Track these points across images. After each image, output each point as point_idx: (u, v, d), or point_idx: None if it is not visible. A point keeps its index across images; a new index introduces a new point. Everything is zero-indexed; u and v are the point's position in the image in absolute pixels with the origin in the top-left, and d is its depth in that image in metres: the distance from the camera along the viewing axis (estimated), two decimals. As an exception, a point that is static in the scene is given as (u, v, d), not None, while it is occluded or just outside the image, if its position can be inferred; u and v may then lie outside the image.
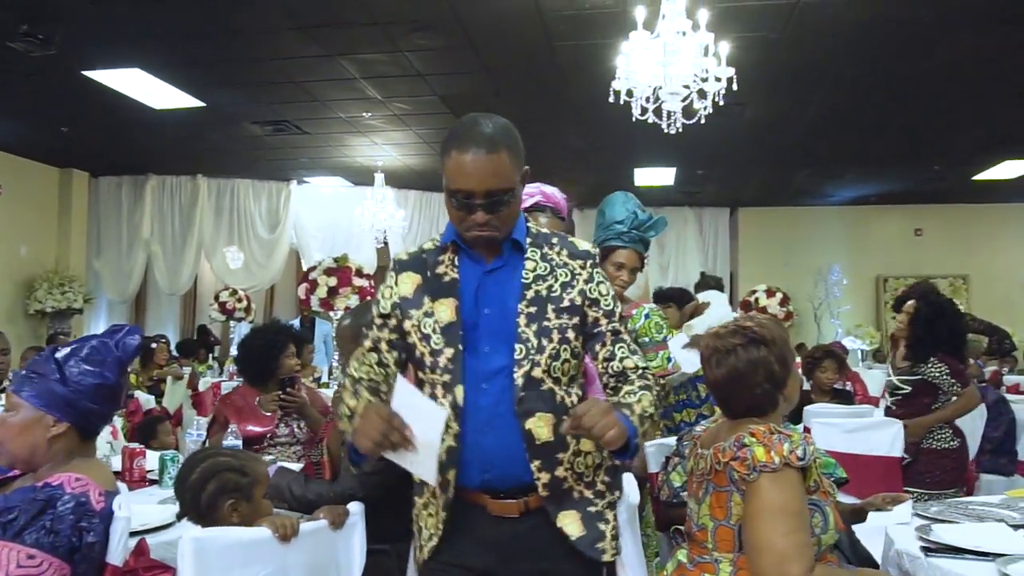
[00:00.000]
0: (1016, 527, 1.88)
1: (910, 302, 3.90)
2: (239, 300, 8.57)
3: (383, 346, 1.76)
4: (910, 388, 3.83)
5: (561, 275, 1.70)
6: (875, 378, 7.05)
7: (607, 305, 1.72)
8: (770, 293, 8.04)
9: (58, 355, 1.59)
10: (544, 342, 1.64)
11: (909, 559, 1.71)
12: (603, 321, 1.71)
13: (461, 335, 1.65)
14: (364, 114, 7.20)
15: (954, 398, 3.71)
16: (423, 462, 1.51)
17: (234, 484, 1.80)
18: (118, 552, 1.43)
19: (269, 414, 3.23)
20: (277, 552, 1.37)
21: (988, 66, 5.82)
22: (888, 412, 3.92)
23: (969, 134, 7.58)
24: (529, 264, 1.69)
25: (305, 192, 10.35)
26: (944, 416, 3.70)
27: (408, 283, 1.73)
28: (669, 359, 3.17)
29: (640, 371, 1.70)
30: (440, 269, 1.72)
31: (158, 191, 10.02)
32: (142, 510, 1.84)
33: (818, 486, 1.70)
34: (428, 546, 1.68)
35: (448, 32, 5.28)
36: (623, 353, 1.71)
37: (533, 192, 2.50)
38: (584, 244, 1.77)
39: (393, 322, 1.75)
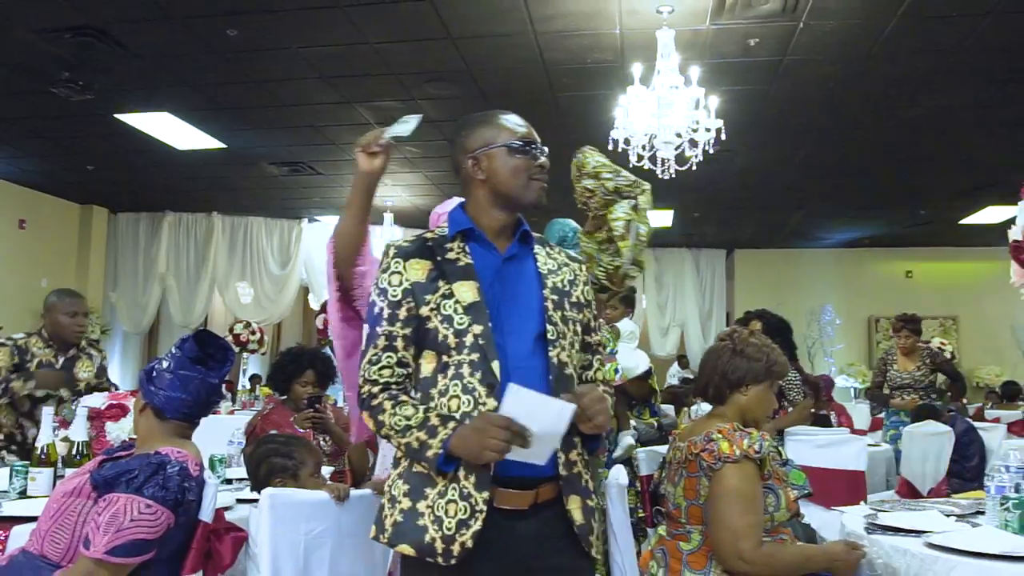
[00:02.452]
0: (949, 515, 2.20)
1: (754, 322, 4.38)
2: (252, 333, 8.90)
3: (399, 342, 1.65)
4: None
5: (565, 273, 1.75)
6: (863, 413, 7.36)
7: (594, 310, 1.81)
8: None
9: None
10: (565, 330, 1.68)
11: (855, 538, 2.03)
12: (592, 325, 1.78)
13: (487, 313, 1.62)
14: (377, 157, 7.58)
15: (791, 408, 4.21)
16: (536, 452, 1.51)
17: (280, 466, 2.23)
18: (209, 511, 1.76)
19: (302, 431, 3.53)
20: (333, 511, 1.68)
21: (962, 118, 6.24)
22: None
23: (950, 181, 7.97)
24: (540, 258, 1.74)
25: (316, 230, 10.71)
26: (792, 420, 4.14)
27: (418, 268, 1.67)
28: (617, 371, 3.62)
29: (609, 385, 1.78)
30: (451, 255, 1.69)
31: (174, 227, 10.41)
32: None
33: (772, 474, 2.03)
34: (467, 533, 1.53)
35: (459, 83, 5.69)
36: (598, 365, 1.79)
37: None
38: (575, 252, 1.89)
39: (404, 312, 1.65)
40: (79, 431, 2.47)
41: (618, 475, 2.11)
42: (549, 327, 1.65)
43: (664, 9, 4.54)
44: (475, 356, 1.59)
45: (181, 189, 9.24)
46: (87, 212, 9.97)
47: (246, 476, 2.45)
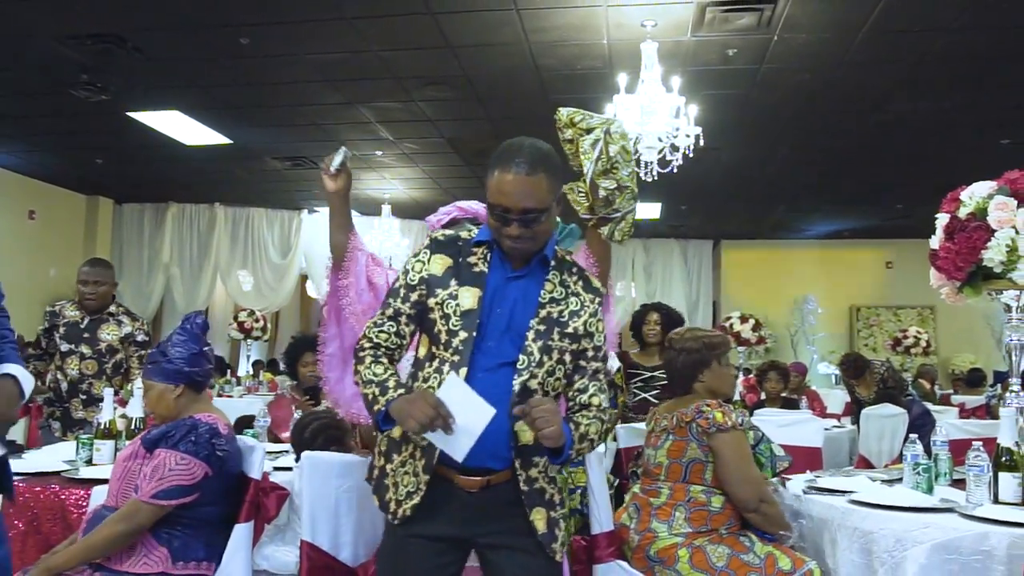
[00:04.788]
0: (874, 480, 2.61)
1: (653, 315, 4.66)
2: (256, 321, 9.25)
3: (403, 319, 1.85)
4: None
5: (572, 303, 1.85)
6: (839, 398, 7.77)
7: (598, 341, 1.90)
8: (743, 319, 8.80)
9: (160, 347, 2.37)
10: (545, 358, 1.79)
11: (793, 497, 2.43)
12: (590, 354, 1.88)
13: (478, 323, 1.79)
14: (376, 152, 7.94)
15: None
16: (456, 444, 1.66)
17: (335, 437, 2.66)
18: (258, 471, 2.17)
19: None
20: (360, 471, 2.03)
21: (931, 122, 6.63)
22: (643, 405, 4.44)
23: (923, 179, 8.33)
24: (548, 285, 1.84)
25: (315, 220, 11.04)
26: None
27: (439, 264, 1.84)
28: None
29: (601, 409, 1.86)
30: (472, 259, 1.85)
31: (178, 218, 10.73)
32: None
33: None
34: (409, 504, 1.78)
35: (456, 86, 6.04)
36: (594, 391, 1.87)
37: (449, 210, 2.58)
38: (596, 282, 1.95)
39: (415, 296, 1.84)
40: (136, 409, 2.88)
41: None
42: (522, 356, 1.79)
43: (648, 23, 4.89)
44: (456, 358, 1.79)
45: (186, 181, 9.55)
46: (93, 203, 10.28)
47: (276, 450, 2.85)
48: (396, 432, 1.85)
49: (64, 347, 4.08)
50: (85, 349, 4.07)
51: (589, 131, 2.42)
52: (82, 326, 4.12)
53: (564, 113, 2.48)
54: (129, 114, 6.81)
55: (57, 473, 2.56)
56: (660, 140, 4.91)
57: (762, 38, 5.11)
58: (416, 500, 1.78)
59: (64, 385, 4.07)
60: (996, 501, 2.25)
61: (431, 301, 1.83)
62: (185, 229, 10.74)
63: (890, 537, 2.05)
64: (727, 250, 12.44)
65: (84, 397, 4.05)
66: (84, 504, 2.27)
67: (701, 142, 4.95)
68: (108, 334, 4.12)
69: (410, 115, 6.74)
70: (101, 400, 3.79)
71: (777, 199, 9.79)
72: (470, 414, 1.65)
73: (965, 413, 6.84)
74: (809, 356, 11.74)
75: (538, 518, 1.80)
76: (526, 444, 1.78)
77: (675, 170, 4.99)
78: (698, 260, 12.36)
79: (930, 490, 2.41)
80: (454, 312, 1.80)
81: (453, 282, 1.82)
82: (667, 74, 4.98)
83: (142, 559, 2.09)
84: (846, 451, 4.92)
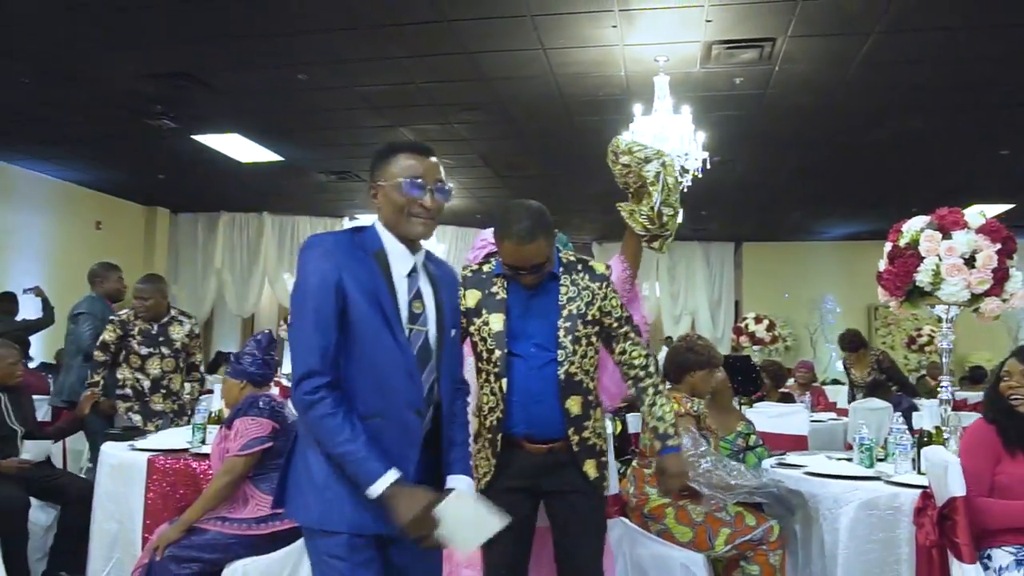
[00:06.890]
0: (831, 458, 3.21)
1: None
2: (303, 321, 9.97)
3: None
4: None
5: (585, 296, 2.29)
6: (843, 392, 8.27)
7: (617, 313, 2.33)
8: (758, 320, 9.28)
9: (236, 354, 3.11)
10: (576, 347, 2.25)
11: (760, 471, 3.05)
12: (615, 325, 2.32)
13: (507, 341, 2.26)
14: (415, 167, 8.59)
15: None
16: (463, 543, 1.76)
17: None
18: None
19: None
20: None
21: (926, 138, 7.14)
22: None
23: (931, 184, 8.83)
24: (563, 290, 2.29)
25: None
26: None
27: (472, 297, 2.32)
28: None
29: (646, 364, 2.32)
30: (494, 289, 2.32)
31: (229, 226, 11.50)
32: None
33: (707, 427, 3.05)
34: (484, 479, 2.28)
35: (490, 111, 6.67)
36: (631, 347, 2.34)
37: (482, 245, 2.77)
38: (600, 268, 2.36)
39: (463, 322, 2.26)
40: (216, 402, 3.59)
41: (608, 425, 3.12)
42: (559, 351, 2.27)
43: (660, 58, 5.48)
44: (496, 370, 2.29)
45: (237, 193, 10.30)
46: (151, 213, 11.09)
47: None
48: (472, 428, 2.28)
49: (144, 351, 4.60)
50: (164, 350, 4.64)
51: (647, 160, 2.69)
52: (154, 332, 4.64)
53: (623, 142, 2.80)
54: (193, 137, 7.53)
55: (185, 449, 3.24)
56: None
57: (765, 69, 5.67)
58: (488, 477, 2.29)
59: (147, 383, 4.58)
60: (919, 472, 2.84)
61: (471, 328, 2.31)
62: (236, 236, 11.52)
63: (829, 499, 2.66)
64: (748, 252, 12.92)
65: (164, 391, 4.61)
66: (210, 473, 2.94)
67: (708, 166, 5.53)
68: (177, 334, 4.69)
69: (447, 135, 7.38)
70: (177, 393, 4.62)
71: (792, 205, 10.30)
72: (473, 527, 1.71)
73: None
74: (828, 354, 12.19)
75: (590, 467, 2.28)
76: (576, 415, 2.26)
77: (686, 189, 5.56)
78: (720, 261, 12.86)
79: (871, 464, 3.00)
80: (488, 335, 2.28)
81: (484, 311, 2.31)
82: (679, 101, 5.57)
83: (253, 506, 2.76)
84: (841, 439, 5.48)
